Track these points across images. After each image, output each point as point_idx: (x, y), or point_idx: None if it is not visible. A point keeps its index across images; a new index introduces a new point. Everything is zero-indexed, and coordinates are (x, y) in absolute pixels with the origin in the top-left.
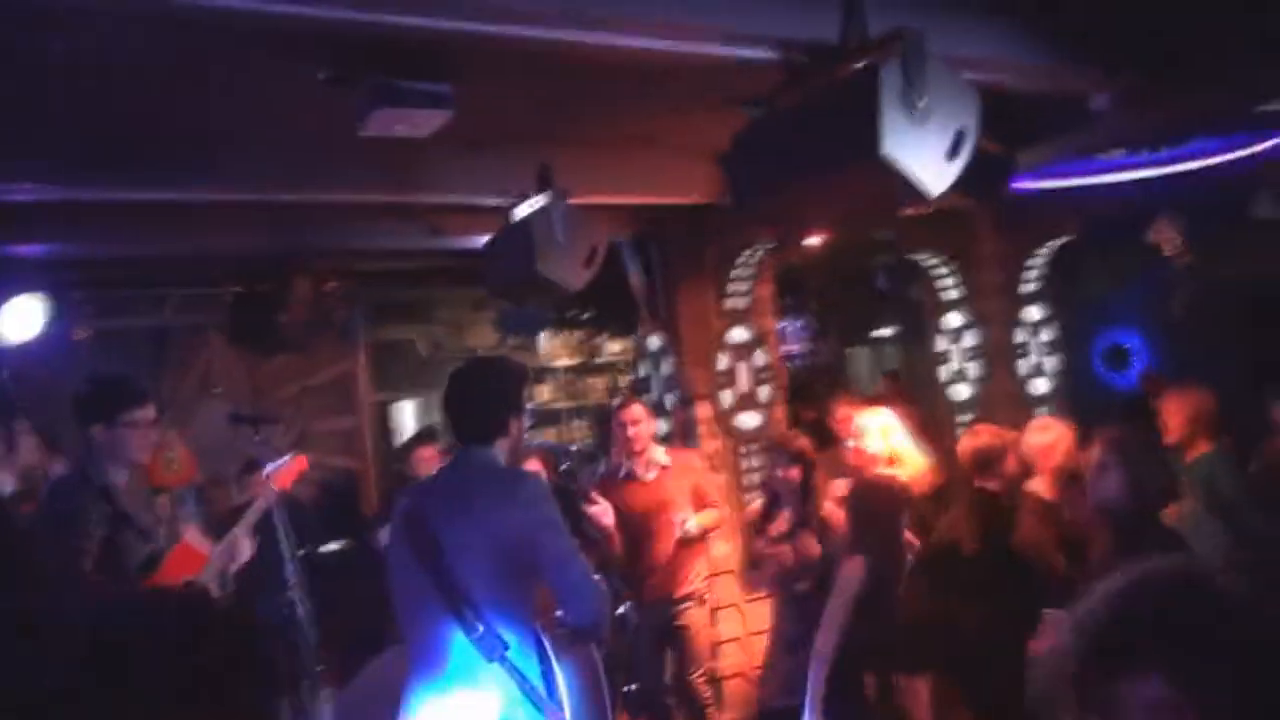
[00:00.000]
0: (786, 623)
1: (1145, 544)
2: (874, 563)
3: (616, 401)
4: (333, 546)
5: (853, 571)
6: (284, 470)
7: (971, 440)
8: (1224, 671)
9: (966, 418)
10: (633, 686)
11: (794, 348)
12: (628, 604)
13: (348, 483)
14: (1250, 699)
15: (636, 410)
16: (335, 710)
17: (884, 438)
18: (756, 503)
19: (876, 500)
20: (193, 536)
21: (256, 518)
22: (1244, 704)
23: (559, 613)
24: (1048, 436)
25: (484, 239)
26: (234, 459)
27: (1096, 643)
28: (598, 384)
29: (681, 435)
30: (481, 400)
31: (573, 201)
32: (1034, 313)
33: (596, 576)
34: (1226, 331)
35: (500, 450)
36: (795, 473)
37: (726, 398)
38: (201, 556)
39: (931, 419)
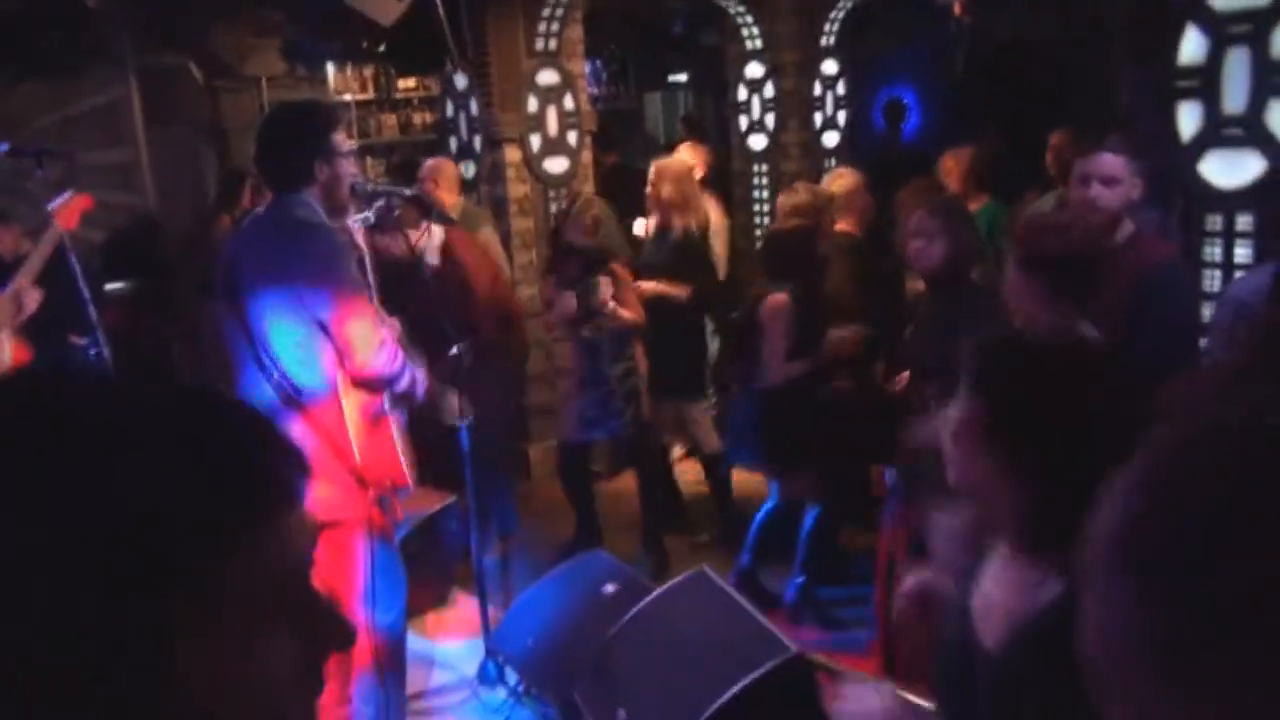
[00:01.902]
0: (577, 364)
1: (961, 299)
2: (798, 294)
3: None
4: (118, 285)
5: (777, 304)
6: (68, 208)
7: (790, 198)
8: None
9: (762, 168)
10: (469, 420)
11: (593, 91)
12: (461, 345)
13: (136, 221)
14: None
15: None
16: None
17: (677, 184)
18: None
19: (789, 244)
20: None
21: (42, 261)
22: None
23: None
24: (846, 183)
25: None
26: None
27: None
28: (390, 121)
29: (489, 179)
30: (282, 146)
31: None
32: (830, 66)
33: (384, 331)
34: (999, 87)
35: (312, 198)
36: (588, 239)
37: (535, 142)
38: None
39: (726, 167)
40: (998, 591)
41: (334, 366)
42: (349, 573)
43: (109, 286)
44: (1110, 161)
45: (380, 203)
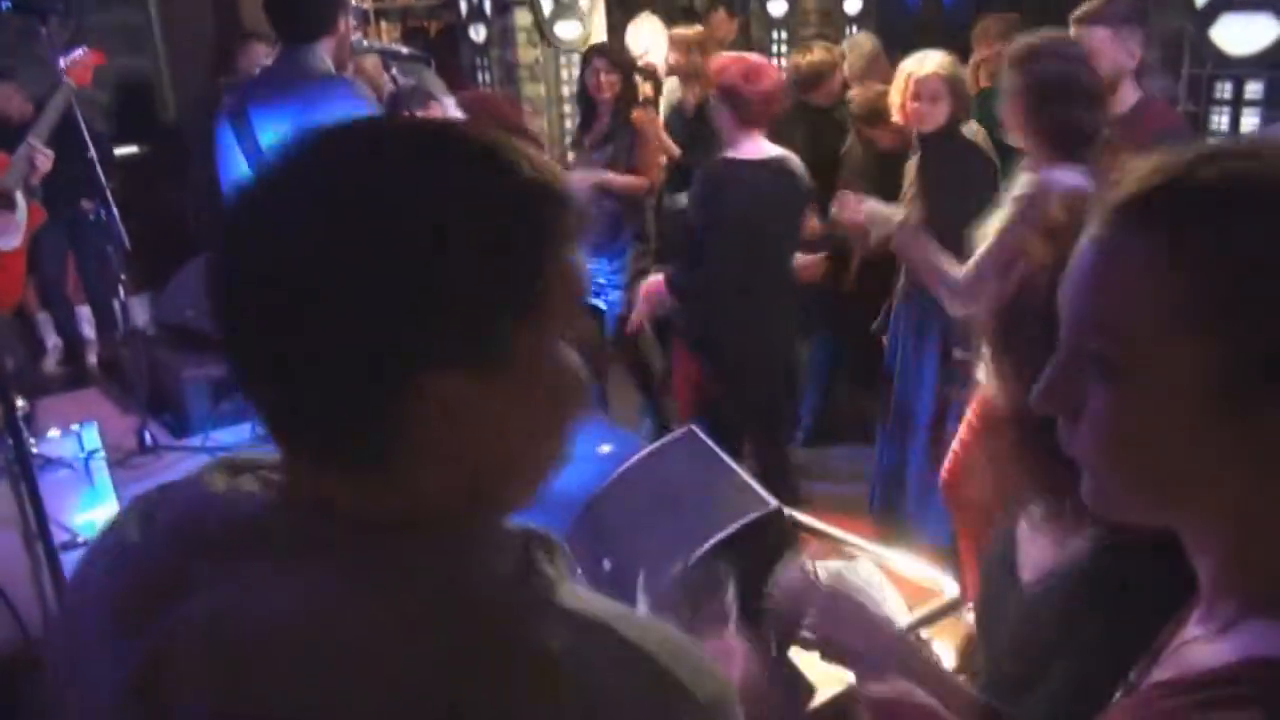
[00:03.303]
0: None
1: (958, 159)
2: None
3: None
4: (130, 149)
5: None
6: (80, 64)
7: (801, 56)
8: None
9: (781, 34)
10: None
11: None
12: None
13: (141, 83)
14: None
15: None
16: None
17: (684, 52)
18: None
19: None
20: None
21: (56, 118)
22: None
23: None
24: (863, 50)
25: None
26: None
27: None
28: None
29: (499, 43)
30: None
31: None
32: None
33: None
34: None
35: (325, 52)
36: (615, 79)
37: (546, 4)
38: (1, 158)
39: (748, 33)
40: (1039, 524)
41: None
42: None
43: (117, 151)
44: (1086, 34)
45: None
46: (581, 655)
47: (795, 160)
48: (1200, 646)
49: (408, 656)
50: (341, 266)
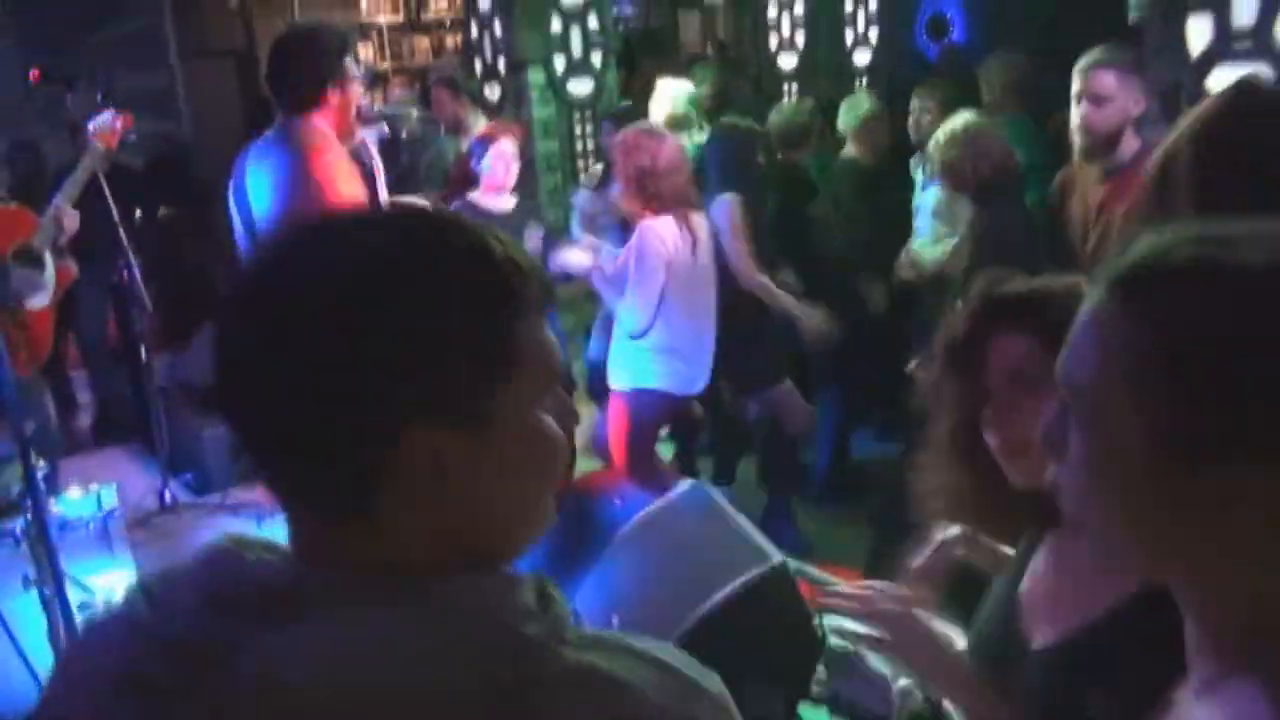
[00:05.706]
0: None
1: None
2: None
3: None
4: (160, 211)
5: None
6: (108, 129)
7: (776, 116)
8: None
9: (792, 88)
10: None
11: (625, 10)
12: None
13: (168, 146)
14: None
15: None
16: (168, 370)
17: (672, 103)
18: (598, 168)
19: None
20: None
21: (84, 180)
22: None
23: None
24: (859, 113)
25: None
26: (29, 118)
27: (979, 307)
28: (422, 43)
29: (513, 101)
30: (295, 68)
31: None
32: None
33: None
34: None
35: (321, 122)
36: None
37: (558, 62)
38: (30, 218)
39: (759, 87)
40: (1055, 583)
41: None
42: None
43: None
44: (1098, 79)
45: (384, 125)
46: (621, 667)
47: None
48: (1184, 710)
49: (465, 691)
50: (337, 337)
